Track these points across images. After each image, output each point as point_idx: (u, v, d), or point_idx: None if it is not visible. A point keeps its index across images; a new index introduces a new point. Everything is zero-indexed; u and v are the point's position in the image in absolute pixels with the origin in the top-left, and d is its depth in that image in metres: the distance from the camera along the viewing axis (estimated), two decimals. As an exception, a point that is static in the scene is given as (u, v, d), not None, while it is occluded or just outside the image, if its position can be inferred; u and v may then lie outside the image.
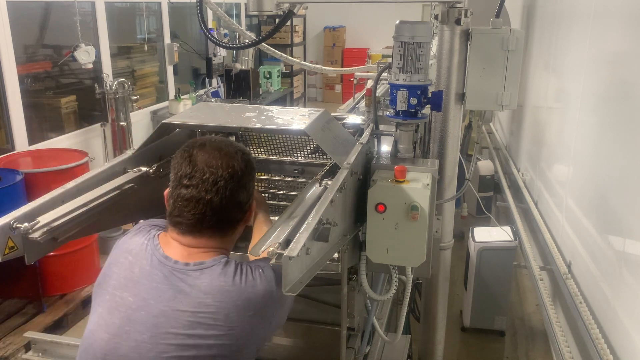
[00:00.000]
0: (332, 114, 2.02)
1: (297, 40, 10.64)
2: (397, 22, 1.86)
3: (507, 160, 5.23)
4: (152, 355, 1.28)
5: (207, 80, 7.63)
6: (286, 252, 1.14)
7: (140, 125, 6.20)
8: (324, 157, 2.01)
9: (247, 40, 3.86)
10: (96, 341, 1.34)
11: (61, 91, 5.50)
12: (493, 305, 3.88)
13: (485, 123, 6.39)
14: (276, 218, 1.59)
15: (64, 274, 4.09)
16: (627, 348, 2.00)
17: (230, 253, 1.49)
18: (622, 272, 2.11)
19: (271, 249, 1.19)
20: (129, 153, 1.80)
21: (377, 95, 2.10)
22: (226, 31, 7.54)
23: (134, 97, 5.57)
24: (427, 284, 2.68)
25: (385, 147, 2.05)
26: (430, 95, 1.91)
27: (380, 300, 2.12)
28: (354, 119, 2.22)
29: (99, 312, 1.38)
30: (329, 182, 1.59)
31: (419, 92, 1.86)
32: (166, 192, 1.43)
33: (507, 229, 3.87)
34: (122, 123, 5.46)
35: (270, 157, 2.09)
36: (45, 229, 1.41)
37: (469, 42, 2.24)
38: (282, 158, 2.08)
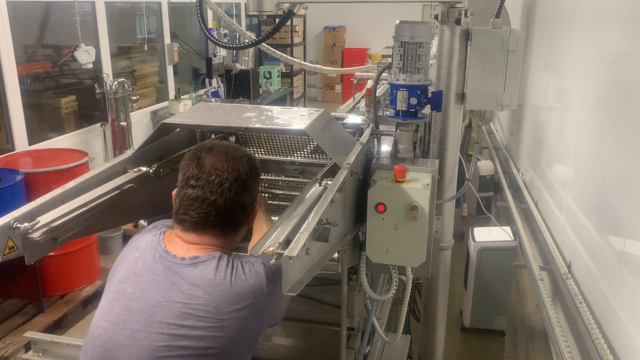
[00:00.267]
0: (332, 114, 2.02)
1: (297, 40, 10.64)
2: (397, 22, 1.86)
3: (507, 160, 5.23)
4: (146, 344, 1.33)
5: (207, 80, 7.63)
6: (286, 252, 1.14)
7: (140, 125, 6.20)
8: (324, 157, 2.01)
9: (247, 40, 3.86)
10: (97, 329, 1.40)
11: (61, 91, 5.50)
12: (493, 305, 3.88)
13: (485, 123, 6.39)
14: (276, 218, 1.59)
15: (64, 274, 4.09)
16: (627, 348, 2.00)
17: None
18: (622, 272, 2.11)
19: (271, 249, 1.19)
20: (129, 153, 1.80)
21: (377, 95, 2.10)
22: (226, 31, 7.54)
23: (134, 97, 5.57)
24: (427, 284, 2.68)
25: (385, 147, 2.05)
26: (430, 95, 1.91)
27: (380, 300, 2.12)
28: (354, 119, 2.22)
29: (103, 302, 1.44)
30: (329, 182, 1.59)
31: (419, 92, 1.86)
32: (174, 191, 1.50)
33: (507, 229, 3.87)
34: (122, 123, 5.46)
35: (270, 157, 2.09)
36: (45, 229, 1.41)
37: (469, 42, 2.24)
38: (282, 158, 2.08)
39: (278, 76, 9.48)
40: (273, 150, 2.09)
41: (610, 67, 2.54)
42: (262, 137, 2.08)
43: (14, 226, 1.36)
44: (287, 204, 1.92)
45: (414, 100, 1.85)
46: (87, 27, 5.49)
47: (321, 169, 1.80)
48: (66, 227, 1.48)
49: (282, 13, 2.27)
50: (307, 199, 1.57)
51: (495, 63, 2.22)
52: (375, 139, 1.99)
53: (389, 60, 1.96)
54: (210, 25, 7.69)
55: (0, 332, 3.63)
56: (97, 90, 5.45)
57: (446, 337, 2.82)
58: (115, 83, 5.36)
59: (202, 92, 7.50)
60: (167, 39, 7.05)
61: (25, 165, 4.21)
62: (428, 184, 1.63)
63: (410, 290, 1.98)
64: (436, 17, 2.24)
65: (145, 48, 6.66)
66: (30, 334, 2.07)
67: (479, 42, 2.22)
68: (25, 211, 1.42)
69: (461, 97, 2.31)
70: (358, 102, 3.54)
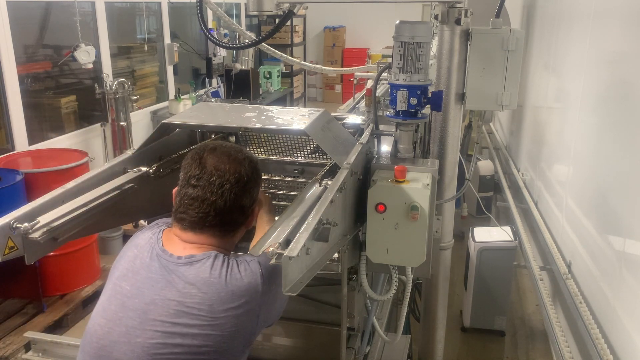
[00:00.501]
0: (332, 114, 2.02)
1: (297, 40, 10.64)
2: (397, 22, 1.86)
3: (507, 160, 5.23)
4: (140, 341, 1.34)
5: (207, 80, 7.63)
6: (286, 252, 1.14)
7: (140, 125, 6.19)
8: (324, 157, 2.01)
9: (247, 40, 3.86)
10: (93, 326, 1.41)
11: (61, 91, 5.50)
12: (493, 305, 3.87)
13: (485, 123, 6.40)
14: (276, 218, 1.60)
15: (64, 274, 4.09)
16: (627, 348, 2.00)
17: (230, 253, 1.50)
18: (622, 272, 2.11)
19: (271, 249, 1.19)
20: (129, 153, 1.80)
21: (377, 95, 2.10)
22: (226, 31, 7.54)
23: (134, 97, 5.57)
24: (427, 284, 2.68)
25: (385, 147, 2.05)
26: (430, 95, 1.91)
27: (380, 300, 2.12)
28: (354, 119, 2.22)
29: (101, 299, 1.45)
30: (329, 182, 1.59)
31: (419, 92, 1.86)
32: (175, 190, 1.50)
33: (507, 229, 3.87)
34: (122, 123, 5.46)
35: (270, 157, 2.09)
36: (45, 229, 1.41)
37: (469, 42, 2.24)
38: (282, 158, 2.08)
39: (278, 76, 9.47)
40: (273, 150, 2.09)
41: (610, 67, 2.54)
42: (262, 137, 2.07)
43: (14, 226, 1.36)
44: (287, 204, 1.92)
45: (414, 100, 1.85)
46: (87, 27, 5.49)
47: (321, 169, 1.80)
48: (66, 227, 1.48)
49: (282, 13, 2.27)
50: (307, 199, 1.56)
51: (495, 63, 2.22)
52: (375, 139, 1.99)
53: (389, 60, 1.96)
54: (210, 25, 7.69)
55: (0, 332, 3.63)
56: (97, 90, 5.45)
57: (446, 337, 2.82)
58: (115, 83, 5.36)
59: (202, 92, 7.50)
60: (167, 39, 7.05)
61: (25, 165, 4.21)
62: (428, 184, 1.63)
63: (410, 290, 1.98)
64: (436, 17, 2.24)
65: (145, 48, 6.66)
66: (30, 334, 2.07)
67: (479, 42, 2.22)
68: (25, 211, 1.42)
69: (461, 97, 2.31)
70: (358, 102, 3.54)
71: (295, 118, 1.76)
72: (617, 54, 2.45)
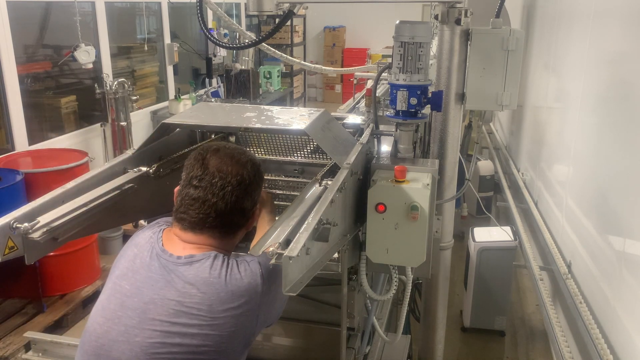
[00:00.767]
0: (332, 114, 2.02)
1: (297, 40, 10.64)
2: (397, 22, 1.86)
3: (507, 160, 5.23)
4: (139, 340, 1.34)
5: (207, 80, 7.63)
6: (286, 252, 1.14)
7: (140, 125, 6.19)
8: (324, 157, 2.01)
9: (247, 40, 3.86)
10: (92, 325, 1.41)
11: (61, 91, 5.50)
12: (493, 305, 3.87)
13: (485, 123, 6.39)
14: (276, 218, 1.60)
15: (64, 274, 4.09)
16: (627, 348, 2.00)
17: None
18: (622, 272, 2.11)
19: (271, 249, 1.19)
20: (129, 153, 1.80)
21: (377, 95, 2.10)
22: (226, 31, 7.54)
23: (134, 97, 5.57)
24: (427, 284, 2.68)
25: (385, 147, 2.05)
26: (430, 95, 1.91)
27: (380, 300, 2.12)
28: (354, 119, 2.22)
29: (101, 298, 1.46)
30: (329, 182, 1.59)
31: (419, 92, 1.86)
32: (176, 189, 1.50)
33: (507, 229, 3.87)
34: (122, 123, 5.46)
35: (270, 157, 2.09)
36: (45, 229, 1.41)
37: (469, 42, 2.24)
38: (282, 158, 2.08)
39: (278, 76, 9.47)
40: (273, 150, 2.08)
41: (610, 67, 2.54)
42: (262, 137, 2.07)
43: (14, 226, 1.36)
44: (287, 204, 1.92)
45: (414, 100, 1.85)
46: (87, 27, 5.49)
47: (321, 169, 1.80)
48: (66, 227, 1.48)
49: (282, 13, 2.27)
50: (307, 199, 1.57)
51: (495, 63, 2.22)
52: (375, 139, 1.99)
53: (389, 60, 1.96)
54: (210, 25, 7.69)
55: (0, 332, 3.63)
56: (97, 90, 5.45)
57: (446, 337, 2.82)
58: (115, 83, 5.36)
59: (202, 92, 7.50)
60: (167, 39, 7.05)
61: (25, 165, 4.21)
62: (428, 184, 1.63)
63: (410, 290, 1.98)
64: (436, 17, 2.24)
65: (145, 48, 6.67)
66: (30, 334, 2.07)
67: (479, 42, 2.22)
68: (25, 211, 1.42)
69: (461, 97, 2.31)
70: (358, 102, 3.54)
71: (295, 118, 1.76)
72: (617, 54, 2.45)
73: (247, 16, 9.51)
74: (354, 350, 1.89)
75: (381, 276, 2.30)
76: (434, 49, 2.62)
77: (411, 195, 1.58)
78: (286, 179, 2.08)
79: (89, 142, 5.52)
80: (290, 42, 10.22)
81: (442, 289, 2.64)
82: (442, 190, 2.41)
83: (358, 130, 2.08)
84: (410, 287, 1.97)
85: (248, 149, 2.03)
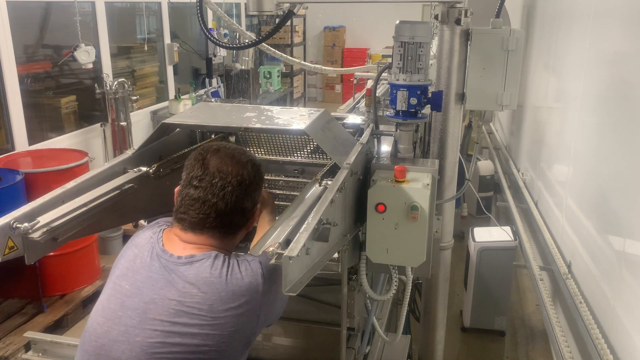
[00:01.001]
0: (332, 114, 2.02)
1: (297, 40, 10.64)
2: (397, 22, 1.86)
3: (507, 160, 5.23)
4: (139, 340, 1.34)
5: (207, 80, 7.63)
6: (286, 252, 1.14)
7: (140, 125, 6.20)
8: (324, 157, 2.01)
9: (247, 40, 3.86)
10: (92, 325, 1.41)
11: (61, 91, 5.50)
12: (493, 305, 3.87)
13: (485, 123, 6.39)
14: (276, 218, 1.59)
15: (64, 274, 4.09)
16: (627, 348, 2.00)
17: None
18: (622, 272, 2.11)
19: (271, 248, 1.19)
20: (129, 153, 1.80)
21: (377, 95, 2.10)
22: (226, 31, 7.54)
23: (134, 97, 5.57)
24: (427, 284, 2.68)
25: (385, 147, 2.05)
26: (430, 95, 1.91)
27: (380, 300, 2.12)
28: (354, 119, 2.22)
29: (101, 299, 1.46)
30: (329, 182, 1.59)
31: (419, 92, 1.86)
32: (176, 189, 1.50)
33: (507, 229, 3.87)
34: (122, 123, 5.46)
35: (270, 157, 2.09)
36: (45, 229, 1.41)
37: (469, 42, 2.24)
38: (282, 158, 2.08)
39: (278, 76, 9.48)
40: (273, 150, 2.08)
41: (610, 67, 2.54)
42: (262, 137, 2.07)
43: (14, 226, 1.36)
44: (287, 204, 1.92)
45: (414, 100, 1.85)
46: (87, 27, 5.49)
47: (321, 169, 1.80)
48: (66, 227, 1.48)
49: (282, 13, 2.27)
50: (307, 199, 1.56)
51: (495, 63, 2.22)
52: (375, 139, 1.99)
53: (389, 60, 1.96)
54: (210, 25, 7.69)
55: (0, 332, 3.63)
56: (97, 90, 5.45)
57: (446, 337, 2.82)
58: (115, 83, 5.36)
59: (202, 92, 7.50)
60: (167, 39, 7.05)
61: (25, 165, 4.21)
62: (428, 184, 1.63)
63: (410, 290, 1.98)
64: (436, 17, 2.24)
65: (145, 48, 6.67)
66: (30, 334, 2.07)
67: (479, 42, 2.22)
68: (25, 211, 1.42)
69: (461, 97, 2.31)
70: (358, 102, 3.54)
71: (295, 118, 1.76)
72: (617, 54, 2.45)
73: (247, 16, 9.51)
74: (354, 350, 1.89)
75: (381, 276, 2.30)
76: (434, 49, 2.62)
77: (411, 195, 1.58)
78: (286, 179, 2.08)
79: (89, 142, 5.52)
80: (290, 42, 10.22)
81: (442, 289, 2.64)
82: (442, 190, 2.41)
83: (358, 130, 2.08)
84: (410, 287, 1.97)
85: (248, 149, 2.03)
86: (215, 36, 6.70)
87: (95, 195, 1.58)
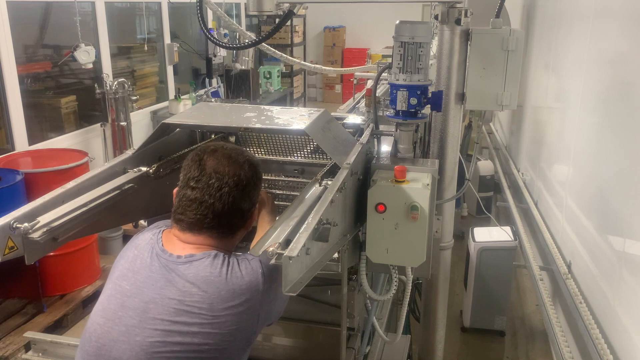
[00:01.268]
0: (332, 114, 2.02)
1: (297, 40, 10.64)
2: (397, 22, 1.86)
3: (507, 160, 5.23)
4: (139, 340, 1.34)
5: (207, 80, 7.63)
6: (286, 252, 1.14)
7: (140, 125, 6.20)
8: (324, 157, 2.01)
9: (247, 40, 3.86)
10: (93, 325, 1.42)
11: (61, 91, 5.50)
12: (493, 305, 3.88)
13: (485, 123, 6.40)
14: (276, 218, 1.59)
15: (64, 274, 4.09)
16: (627, 348, 2.00)
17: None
18: (622, 272, 2.11)
19: (271, 249, 1.19)
20: (129, 153, 1.80)
21: (377, 95, 2.10)
22: (226, 31, 7.54)
23: (134, 97, 5.57)
24: (427, 284, 2.68)
25: (385, 147, 2.05)
26: (430, 95, 1.91)
27: (380, 300, 2.12)
28: (354, 119, 2.22)
29: (101, 299, 1.46)
30: (329, 182, 1.59)
31: (419, 92, 1.86)
32: (175, 190, 1.50)
33: (507, 229, 3.87)
34: (122, 123, 5.46)
35: (270, 157, 2.09)
36: (45, 229, 1.41)
37: (469, 42, 2.24)
38: (282, 158, 2.08)
39: (278, 76, 9.47)
40: (273, 150, 2.08)
41: (610, 67, 2.54)
42: (262, 137, 2.07)
43: (14, 226, 1.36)
44: (287, 204, 1.92)
45: (414, 100, 1.85)
46: (87, 27, 5.49)
47: (321, 169, 1.80)
48: (66, 227, 1.48)
49: (282, 13, 2.27)
50: (307, 199, 1.56)
51: (495, 63, 2.22)
52: (375, 139, 1.99)
53: (389, 60, 1.96)
54: (210, 25, 7.68)
55: (0, 332, 3.62)
56: (97, 90, 5.45)
57: (446, 337, 2.82)
58: (115, 83, 5.36)
59: (202, 92, 7.50)
60: (167, 39, 7.05)
61: (25, 165, 4.21)
62: (428, 184, 1.63)
63: (410, 290, 1.98)
64: (436, 17, 2.24)
65: (145, 48, 6.67)
66: (30, 334, 2.08)
67: (479, 42, 2.22)
68: (25, 211, 1.42)
69: (461, 97, 2.31)
70: (358, 102, 3.54)
71: (295, 118, 1.76)
72: (617, 54, 2.45)
73: (247, 16, 9.51)
74: (354, 350, 1.89)
75: (381, 276, 2.30)
76: (434, 49, 2.62)
77: (411, 195, 1.58)
78: (286, 179, 2.08)
79: (89, 142, 5.52)
80: (290, 42, 10.22)
81: (442, 289, 2.64)
82: (442, 190, 2.41)
83: (358, 130, 2.08)
84: (410, 287, 1.97)
85: (248, 149, 2.03)
86: (215, 36, 6.70)
87: (95, 195, 1.58)
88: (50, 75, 5.39)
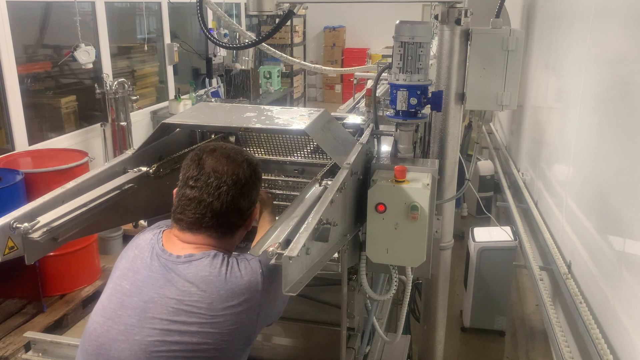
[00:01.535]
0: (332, 114, 2.02)
1: (297, 40, 10.64)
2: (397, 22, 1.86)
3: (507, 160, 5.23)
4: (138, 339, 1.34)
5: (207, 80, 7.62)
6: (286, 252, 1.14)
7: (140, 125, 6.20)
8: (324, 157, 2.01)
9: (247, 40, 3.86)
10: (92, 324, 1.42)
11: (61, 91, 5.50)
12: (493, 305, 3.88)
13: (485, 123, 6.40)
14: (276, 218, 1.59)
15: (64, 274, 4.09)
16: (627, 348, 2.00)
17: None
18: (622, 272, 2.11)
19: (271, 249, 1.19)
20: (129, 153, 1.80)
21: (377, 95, 2.10)
22: (226, 31, 7.54)
23: (134, 97, 5.57)
24: (427, 284, 2.68)
25: (385, 147, 2.05)
26: (430, 95, 1.91)
27: (380, 300, 2.12)
28: (354, 119, 2.22)
29: (101, 299, 1.46)
30: (329, 182, 1.59)
31: (419, 92, 1.86)
32: (175, 190, 1.51)
33: (507, 229, 3.87)
34: (122, 123, 5.46)
35: (270, 157, 2.09)
36: (45, 229, 1.41)
37: (469, 42, 2.24)
38: (282, 158, 2.08)
39: (278, 76, 9.47)
40: (273, 150, 2.09)
41: (610, 67, 2.54)
42: (262, 137, 2.08)
43: (14, 226, 1.36)
44: (287, 204, 1.92)
45: (414, 100, 1.85)
46: (87, 27, 5.49)
47: (321, 169, 1.80)
48: (66, 227, 1.48)
49: (282, 13, 2.27)
50: (307, 199, 1.56)
51: (495, 63, 2.22)
52: (375, 139, 1.99)
53: (389, 60, 1.96)
54: (210, 25, 7.68)
55: (0, 332, 3.63)
56: (97, 90, 5.45)
57: (446, 337, 2.82)
58: (115, 83, 5.36)
59: (202, 92, 7.50)
60: (167, 39, 7.05)
61: (25, 165, 4.21)
62: (428, 184, 1.63)
63: (410, 290, 1.98)
64: (436, 17, 2.24)
65: (145, 48, 6.66)
66: (30, 334, 2.08)
67: (479, 42, 2.22)
68: (25, 211, 1.42)
69: (461, 97, 2.32)
70: (358, 102, 3.54)
71: (295, 118, 1.76)
72: (617, 54, 2.45)
73: (247, 16, 9.51)
74: (354, 350, 1.89)
75: (381, 276, 2.30)
76: (434, 49, 2.62)
77: (411, 195, 1.58)
78: (286, 179, 2.08)
79: (89, 142, 5.52)
80: (290, 42, 10.22)
81: (442, 289, 2.64)
82: (442, 190, 2.42)
83: (358, 130, 2.08)
84: (410, 287, 1.97)
85: (248, 149, 2.03)
86: (215, 36, 6.70)
87: (95, 195, 1.58)
88: (50, 75, 5.39)
